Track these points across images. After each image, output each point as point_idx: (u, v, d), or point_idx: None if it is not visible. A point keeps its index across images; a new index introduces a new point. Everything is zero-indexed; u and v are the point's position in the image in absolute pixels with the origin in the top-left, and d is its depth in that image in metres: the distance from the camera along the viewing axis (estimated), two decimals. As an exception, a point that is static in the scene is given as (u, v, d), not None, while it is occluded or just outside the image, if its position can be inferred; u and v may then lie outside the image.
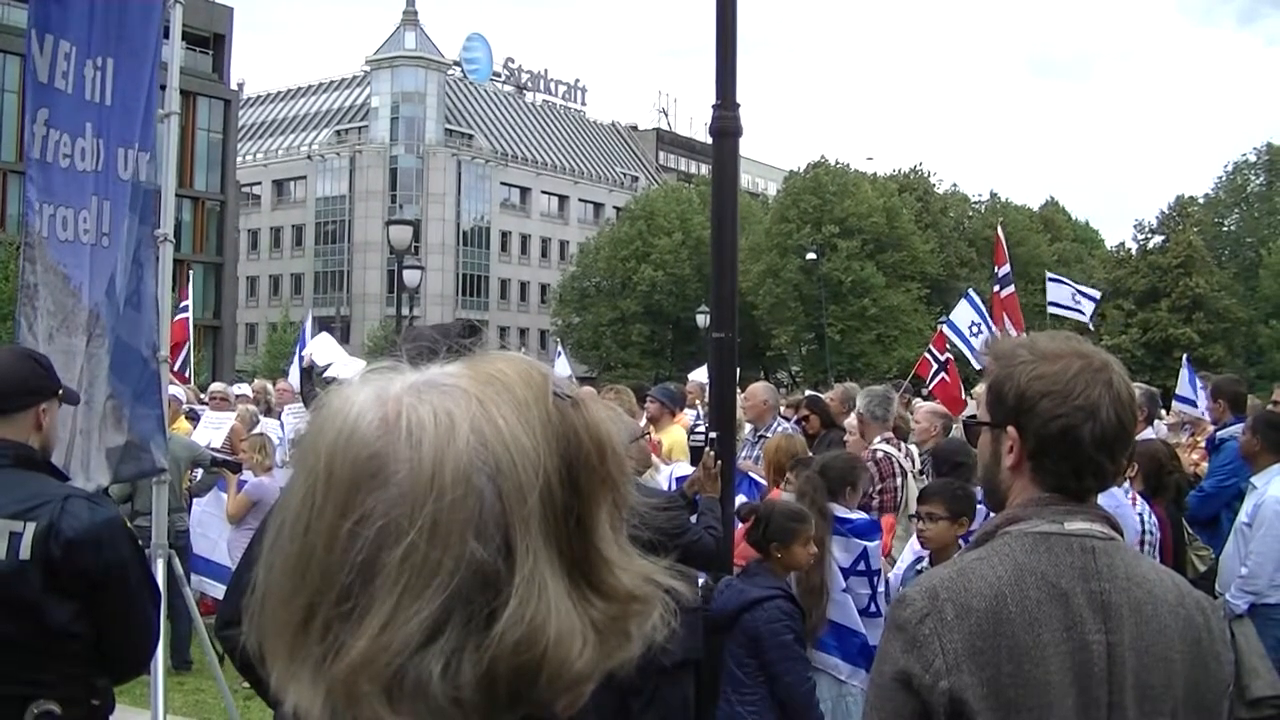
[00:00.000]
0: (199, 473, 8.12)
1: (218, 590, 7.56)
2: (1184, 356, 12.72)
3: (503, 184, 76.42)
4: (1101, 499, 1.88)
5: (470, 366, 0.85)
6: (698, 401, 10.73)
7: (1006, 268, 13.21)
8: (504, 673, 0.78)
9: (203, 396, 11.74)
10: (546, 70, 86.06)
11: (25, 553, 2.67)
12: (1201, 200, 58.01)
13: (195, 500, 8.28)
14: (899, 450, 6.78)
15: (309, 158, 74.70)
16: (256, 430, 8.96)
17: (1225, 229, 59.74)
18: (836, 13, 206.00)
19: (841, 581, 4.70)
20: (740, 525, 4.77)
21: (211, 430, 9.30)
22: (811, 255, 49.05)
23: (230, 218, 52.84)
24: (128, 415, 4.55)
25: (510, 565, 0.78)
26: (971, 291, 14.19)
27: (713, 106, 4.76)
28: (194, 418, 10.05)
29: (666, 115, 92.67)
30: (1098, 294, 15.48)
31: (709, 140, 4.91)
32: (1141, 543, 4.91)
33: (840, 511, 4.83)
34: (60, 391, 3.03)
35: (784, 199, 56.87)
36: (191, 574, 7.27)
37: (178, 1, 5.01)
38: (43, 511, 2.71)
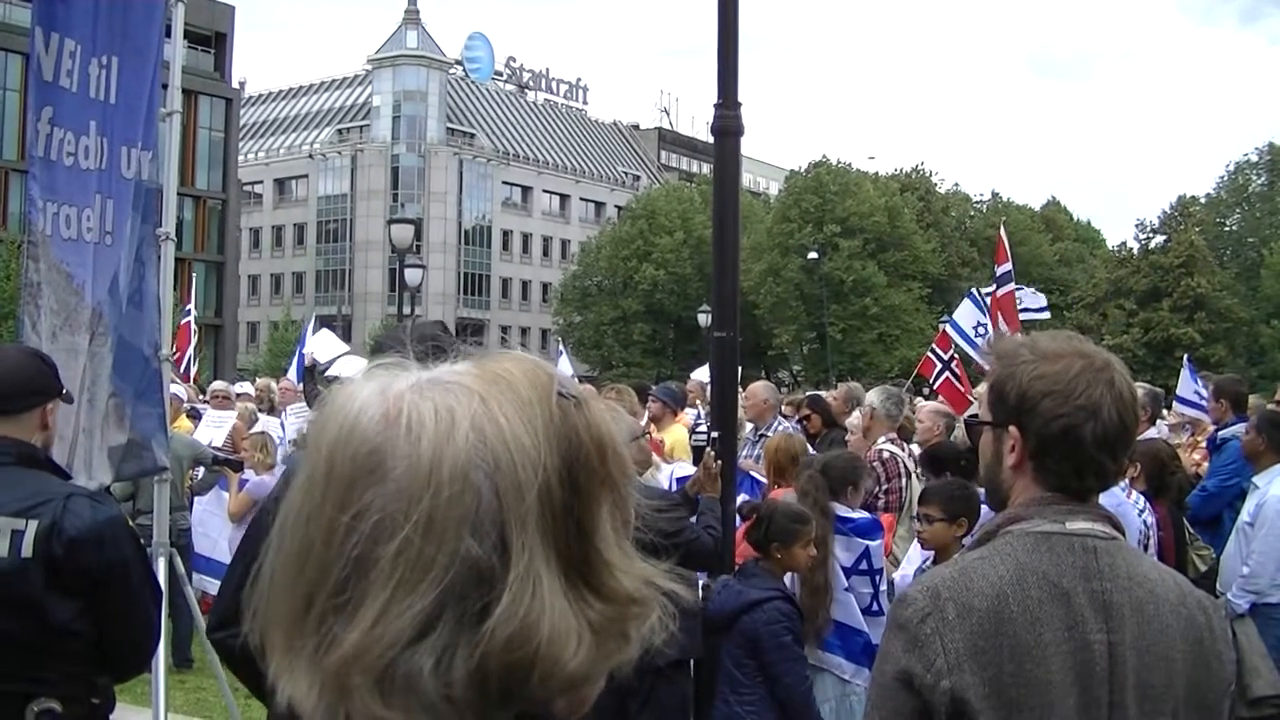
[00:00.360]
0: (200, 471, 8.13)
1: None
2: (1185, 357, 12.72)
3: (504, 183, 76.39)
4: (1103, 498, 1.88)
5: (477, 365, 0.85)
6: (699, 401, 10.74)
7: (1007, 266, 13.18)
8: (495, 669, 0.78)
9: (204, 395, 11.76)
10: (548, 69, 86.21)
11: (27, 551, 2.67)
12: (1203, 200, 57.85)
13: (197, 499, 8.29)
14: (903, 450, 6.78)
15: (310, 156, 74.68)
16: (255, 428, 8.96)
17: (1227, 229, 59.60)
18: (838, 12, 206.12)
19: (844, 581, 4.71)
20: (741, 524, 4.76)
21: (213, 429, 9.31)
22: (813, 254, 48.94)
23: (232, 216, 52.85)
24: (129, 414, 4.56)
25: (505, 562, 0.78)
26: (974, 291, 14.23)
27: (714, 105, 4.75)
28: (195, 416, 10.07)
29: (668, 114, 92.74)
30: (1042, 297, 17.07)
31: (710, 139, 4.89)
32: (1145, 545, 4.91)
33: (842, 511, 4.83)
34: (65, 391, 3.04)
35: (785, 198, 56.83)
36: (193, 572, 7.27)
37: (179, 0, 5.02)
38: (45, 510, 2.71)
